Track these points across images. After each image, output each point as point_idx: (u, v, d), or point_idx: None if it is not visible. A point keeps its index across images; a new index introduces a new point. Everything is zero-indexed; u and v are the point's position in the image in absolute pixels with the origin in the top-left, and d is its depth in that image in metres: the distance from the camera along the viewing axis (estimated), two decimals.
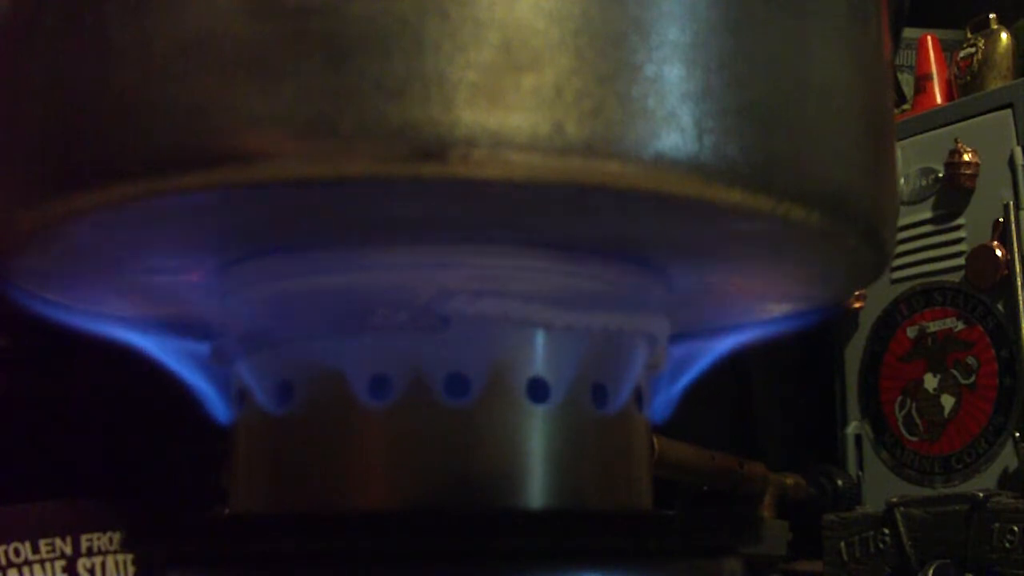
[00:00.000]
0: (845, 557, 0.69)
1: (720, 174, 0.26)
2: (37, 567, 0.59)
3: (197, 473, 0.61)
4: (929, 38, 0.83)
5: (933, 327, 0.75)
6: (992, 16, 0.79)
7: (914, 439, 0.75)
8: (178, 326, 0.35)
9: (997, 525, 0.62)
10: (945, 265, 0.75)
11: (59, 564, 0.59)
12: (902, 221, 0.75)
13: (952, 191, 0.74)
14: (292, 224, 0.29)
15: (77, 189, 0.26)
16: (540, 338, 0.30)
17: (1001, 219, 0.71)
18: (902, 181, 0.77)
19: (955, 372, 0.73)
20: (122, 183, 0.25)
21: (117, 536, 0.60)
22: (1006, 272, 0.70)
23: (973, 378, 0.72)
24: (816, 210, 0.27)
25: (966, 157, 0.73)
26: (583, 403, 0.30)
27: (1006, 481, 0.69)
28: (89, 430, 0.62)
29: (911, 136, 0.76)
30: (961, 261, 0.73)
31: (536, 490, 0.29)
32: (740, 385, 0.87)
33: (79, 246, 0.29)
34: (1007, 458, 0.70)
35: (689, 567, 0.29)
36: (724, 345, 0.36)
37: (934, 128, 0.76)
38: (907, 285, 0.77)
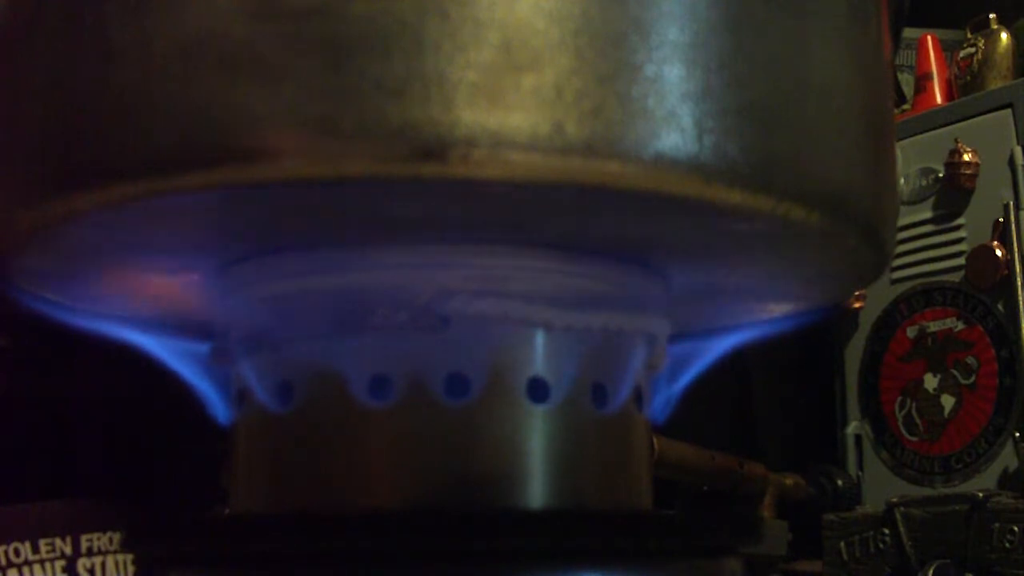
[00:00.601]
0: (845, 557, 0.69)
1: (720, 174, 0.26)
2: (37, 567, 0.59)
3: (197, 473, 0.61)
4: (929, 38, 0.83)
5: (933, 327, 0.75)
6: (992, 16, 0.79)
7: (914, 439, 0.75)
8: (178, 326, 0.35)
9: (997, 525, 0.62)
10: (945, 265, 0.75)
11: (59, 564, 0.59)
12: (902, 221, 0.75)
13: (952, 191, 0.74)
14: (292, 224, 0.29)
15: (77, 189, 0.26)
16: (540, 338, 0.30)
17: (1001, 219, 0.71)
18: (902, 181, 0.76)
19: (955, 372, 0.73)
20: (122, 183, 0.25)
21: (117, 536, 0.60)
22: (1006, 272, 0.70)
23: (973, 378, 0.72)
24: (816, 210, 0.27)
25: (966, 157, 0.73)
26: (583, 403, 0.30)
27: (1006, 481, 0.69)
28: (89, 430, 0.63)
29: (911, 136, 0.76)
30: (961, 261, 0.73)
31: (536, 490, 0.29)
32: (740, 385, 0.87)
33: (79, 246, 0.29)
34: (1007, 458, 0.70)
35: (689, 567, 0.29)
36: (724, 345, 0.36)
37: (934, 128, 0.76)
38: (907, 285, 0.77)
